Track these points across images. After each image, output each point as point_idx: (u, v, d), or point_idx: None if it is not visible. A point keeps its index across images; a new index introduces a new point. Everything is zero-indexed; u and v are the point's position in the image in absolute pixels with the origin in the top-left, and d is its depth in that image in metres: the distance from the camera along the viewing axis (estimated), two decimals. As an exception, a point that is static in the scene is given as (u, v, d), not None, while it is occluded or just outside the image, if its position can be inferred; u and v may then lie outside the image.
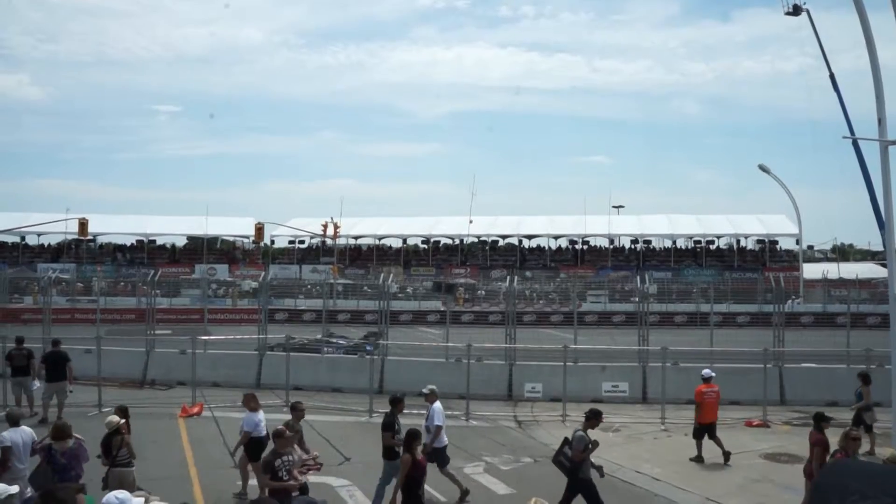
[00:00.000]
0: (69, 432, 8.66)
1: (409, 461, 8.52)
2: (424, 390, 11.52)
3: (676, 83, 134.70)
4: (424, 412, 11.49)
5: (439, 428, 10.97)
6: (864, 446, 13.47)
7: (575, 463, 9.60)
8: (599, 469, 9.99)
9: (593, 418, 10.07)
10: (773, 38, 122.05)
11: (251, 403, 10.94)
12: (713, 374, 14.30)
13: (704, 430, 13.61)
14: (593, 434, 9.97)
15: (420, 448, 8.88)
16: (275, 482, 8.10)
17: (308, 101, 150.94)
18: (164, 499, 6.04)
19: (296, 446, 9.06)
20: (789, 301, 39.10)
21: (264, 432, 10.60)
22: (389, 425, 10.29)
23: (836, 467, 1.92)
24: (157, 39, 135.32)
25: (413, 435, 8.76)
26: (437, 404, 11.22)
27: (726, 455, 13.26)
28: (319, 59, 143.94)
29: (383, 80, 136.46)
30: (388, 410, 10.78)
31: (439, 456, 11.00)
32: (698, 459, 13.41)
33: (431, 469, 9.81)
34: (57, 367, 16.26)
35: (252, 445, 10.55)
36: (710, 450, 13.44)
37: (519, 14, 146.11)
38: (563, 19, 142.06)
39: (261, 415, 10.95)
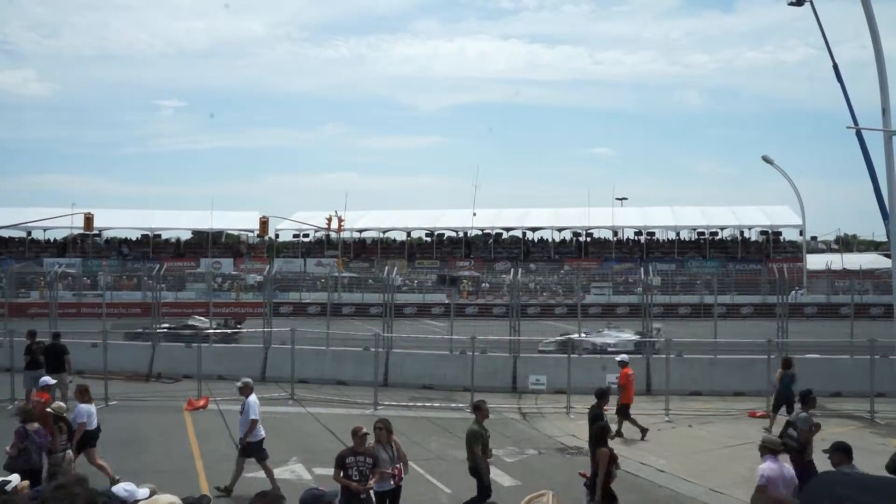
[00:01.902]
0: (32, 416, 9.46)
1: (606, 454, 8.89)
2: (238, 384, 11.38)
3: (678, 74, 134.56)
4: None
5: (254, 422, 10.86)
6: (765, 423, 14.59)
7: (801, 444, 9.91)
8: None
9: (810, 401, 10.65)
10: (775, 28, 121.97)
11: (84, 396, 11.23)
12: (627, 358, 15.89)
13: (627, 408, 14.63)
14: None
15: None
16: (343, 479, 8.13)
17: (310, 94, 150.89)
18: (170, 491, 6.09)
19: (394, 444, 8.75)
20: (793, 292, 39.06)
21: (95, 424, 11.05)
22: (600, 416, 10.43)
23: (826, 478, 1.91)
24: (158, 34, 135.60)
25: (606, 429, 9.23)
26: (252, 397, 11.08)
27: (643, 431, 14.22)
28: (321, 53, 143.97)
29: (385, 74, 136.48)
30: (593, 404, 10.88)
31: (256, 450, 10.91)
32: (619, 434, 14.24)
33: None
34: (56, 359, 16.39)
35: (83, 436, 10.90)
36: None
37: (520, 6, 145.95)
38: (565, 11, 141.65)
39: (93, 407, 11.20)
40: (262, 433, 11.08)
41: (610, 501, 9.00)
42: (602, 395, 11.02)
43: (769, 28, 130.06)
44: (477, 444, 9.40)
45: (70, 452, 10.21)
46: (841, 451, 7.53)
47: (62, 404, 10.77)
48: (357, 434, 8.39)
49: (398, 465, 8.69)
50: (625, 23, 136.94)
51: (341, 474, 8.18)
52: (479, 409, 9.93)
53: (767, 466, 7.88)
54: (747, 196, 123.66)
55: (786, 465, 8.19)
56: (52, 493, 3.85)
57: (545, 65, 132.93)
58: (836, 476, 1.85)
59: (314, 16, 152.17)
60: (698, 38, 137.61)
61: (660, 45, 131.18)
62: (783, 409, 14.32)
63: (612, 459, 9.03)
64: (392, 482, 8.58)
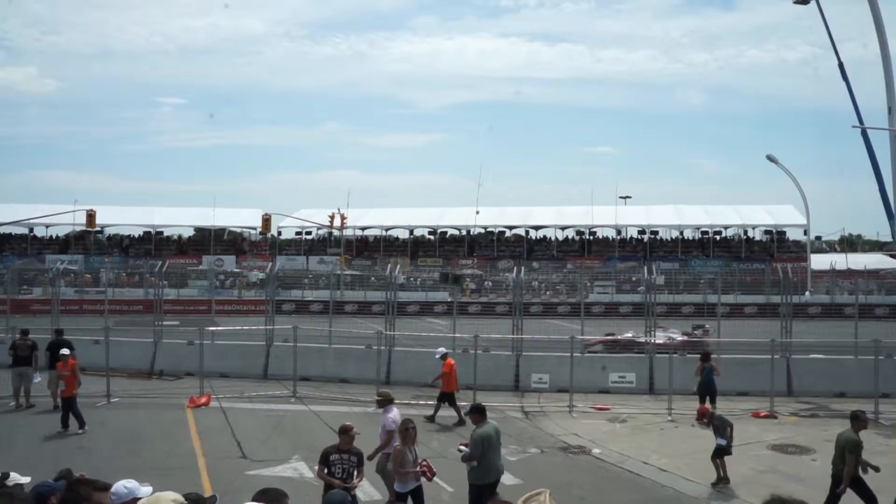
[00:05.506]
0: None
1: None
2: None
3: (680, 73, 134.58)
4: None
5: None
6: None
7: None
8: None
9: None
10: (776, 26, 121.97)
11: None
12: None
13: (449, 397, 15.55)
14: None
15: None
16: (326, 476, 8.09)
17: (311, 92, 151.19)
18: (172, 489, 6.05)
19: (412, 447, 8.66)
20: (807, 293, 38.97)
21: None
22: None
23: None
24: (158, 31, 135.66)
25: None
26: None
27: (461, 421, 14.77)
28: (321, 50, 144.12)
29: (386, 71, 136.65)
30: None
31: None
32: (431, 419, 15.27)
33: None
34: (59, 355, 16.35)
35: None
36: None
37: (520, 3, 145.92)
38: (565, 9, 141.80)
39: None
40: None
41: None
42: None
43: (771, 26, 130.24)
44: (853, 455, 8.95)
45: None
46: (475, 413, 8.97)
47: None
48: (346, 433, 8.31)
49: (425, 462, 8.62)
50: (625, 21, 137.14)
51: (325, 471, 8.13)
52: (858, 419, 9.38)
53: (395, 414, 9.54)
54: (751, 195, 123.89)
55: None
56: (65, 493, 3.81)
57: (546, 63, 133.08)
58: None
59: (314, 13, 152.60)
60: (699, 37, 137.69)
61: (661, 43, 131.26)
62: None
63: None
64: (426, 477, 8.54)
